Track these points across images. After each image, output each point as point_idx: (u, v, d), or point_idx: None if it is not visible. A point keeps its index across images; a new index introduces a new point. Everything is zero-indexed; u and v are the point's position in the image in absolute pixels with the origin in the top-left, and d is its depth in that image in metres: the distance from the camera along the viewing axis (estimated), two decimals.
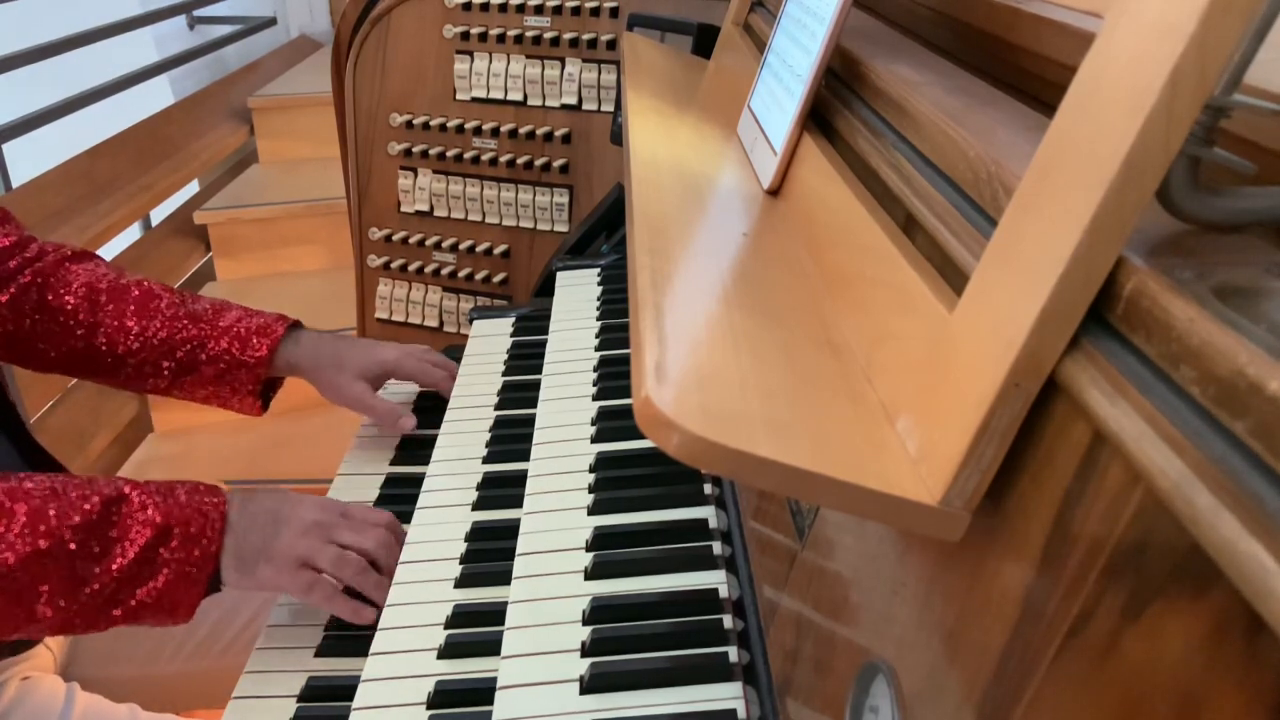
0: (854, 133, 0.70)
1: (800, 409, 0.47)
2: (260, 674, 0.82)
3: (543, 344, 1.14)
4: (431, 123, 1.65)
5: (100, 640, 1.05)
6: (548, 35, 1.57)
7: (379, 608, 0.82)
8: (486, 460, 1.00)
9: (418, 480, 0.99)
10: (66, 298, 1.03)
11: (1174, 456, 0.31)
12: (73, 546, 0.76)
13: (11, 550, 0.74)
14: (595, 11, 1.54)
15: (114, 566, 0.77)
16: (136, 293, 1.05)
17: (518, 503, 0.88)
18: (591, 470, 0.89)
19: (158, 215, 2.64)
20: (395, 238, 1.73)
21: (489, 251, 1.69)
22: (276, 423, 1.46)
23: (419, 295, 1.76)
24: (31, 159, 2.15)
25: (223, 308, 1.07)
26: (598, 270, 1.30)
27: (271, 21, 3.36)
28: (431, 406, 1.14)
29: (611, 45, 1.54)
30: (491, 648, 0.74)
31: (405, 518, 0.93)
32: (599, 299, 1.21)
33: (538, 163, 1.62)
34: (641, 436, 0.45)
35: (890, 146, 0.63)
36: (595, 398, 1.00)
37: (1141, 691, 0.31)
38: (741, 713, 0.65)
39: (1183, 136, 0.34)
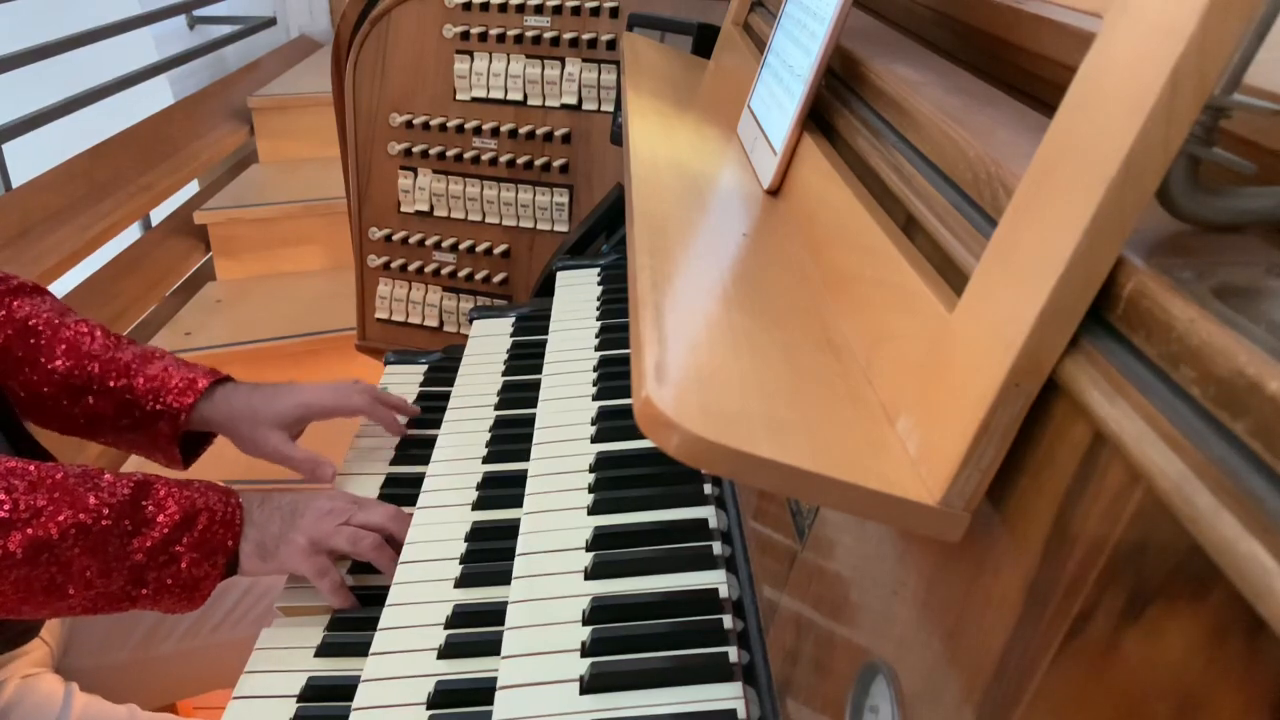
0: (854, 133, 0.70)
1: (800, 409, 0.47)
2: (260, 674, 0.82)
3: (543, 344, 1.14)
4: (431, 123, 1.65)
5: (96, 627, 1.06)
6: (548, 35, 1.57)
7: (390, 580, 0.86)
8: (486, 460, 1.00)
9: (418, 480, 0.99)
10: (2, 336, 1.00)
11: (1174, 456, 0.31)
12: (107, 523, 0.79)
13: (53, 523, 0.77)
14: (595, 11, 1.54)
15: (147, 544, 0.80)
16: (68, 333, 1.02)
17: (518, 503, 0.88)
18: (591, 470, 0.89)
19: (158, 215, 2.64)
20: (395, 238, 1.73)
21: (489, 251, 1.69)
22: None
23: (419, 295, 1.76)
24: (31, 159, 2.14)
25: (149, 356, 1.04)
26: (598, 270, 1.30)
27: (271, 21, 3.36)
28: (432, 406, 1.14)
29: (611, 45, 1.54)
30: (491, 648, 0.74)
31: None
32: (599, 299, 1.21)
33: (538, 163, 1.62)
34: (641, 436, 0.45)
35: (890, 146, 0.63)
36: (595, 398, 1.00)
37: (1141, 692, 0.31)
38: (741, 713, 0.65)
39: (1183, 136, 0.34)
